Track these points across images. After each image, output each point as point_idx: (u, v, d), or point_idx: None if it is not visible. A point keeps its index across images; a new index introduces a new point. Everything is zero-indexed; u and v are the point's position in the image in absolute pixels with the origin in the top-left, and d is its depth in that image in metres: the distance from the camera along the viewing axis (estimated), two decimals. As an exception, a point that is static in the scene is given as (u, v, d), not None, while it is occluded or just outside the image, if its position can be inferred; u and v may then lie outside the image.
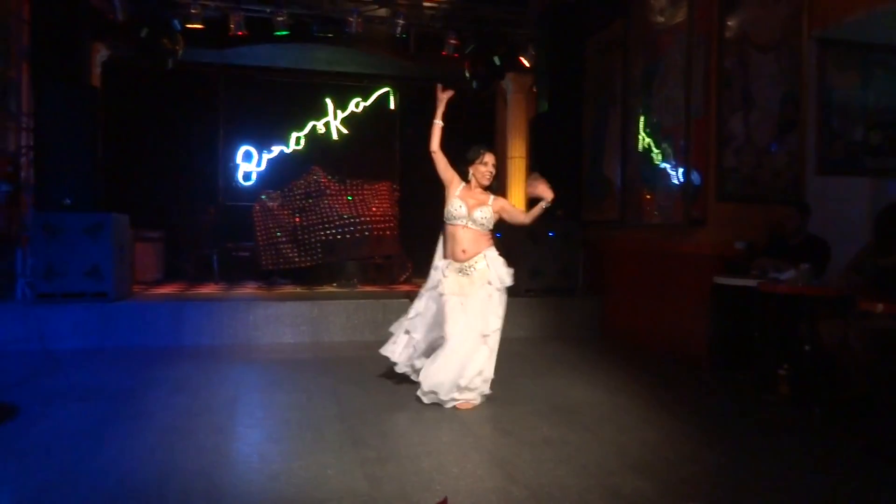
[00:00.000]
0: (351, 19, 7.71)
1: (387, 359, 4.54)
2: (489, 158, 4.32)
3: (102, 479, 2.89)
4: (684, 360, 5.71)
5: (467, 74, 8.40)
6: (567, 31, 7.88)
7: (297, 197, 8.36)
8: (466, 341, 4.10)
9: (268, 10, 7.60)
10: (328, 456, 3.21)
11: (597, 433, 3.67)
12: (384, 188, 8.66)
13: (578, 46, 7.96)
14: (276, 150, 10.15)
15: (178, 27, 7.45)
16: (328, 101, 10.32)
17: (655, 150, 6.48)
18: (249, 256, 8.57)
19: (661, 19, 6.41)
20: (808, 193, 5.33)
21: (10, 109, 6.54)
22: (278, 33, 7.77)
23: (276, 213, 8.27)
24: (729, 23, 5.66)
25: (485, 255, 4.27)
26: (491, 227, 4.33)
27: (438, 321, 4.26)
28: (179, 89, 9.35)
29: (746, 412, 4.30)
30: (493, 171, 4.33)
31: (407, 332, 4.45)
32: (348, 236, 8.15)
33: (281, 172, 9.71)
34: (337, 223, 8.17)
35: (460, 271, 4.25)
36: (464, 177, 4.35)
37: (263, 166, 10.11)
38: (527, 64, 8.73)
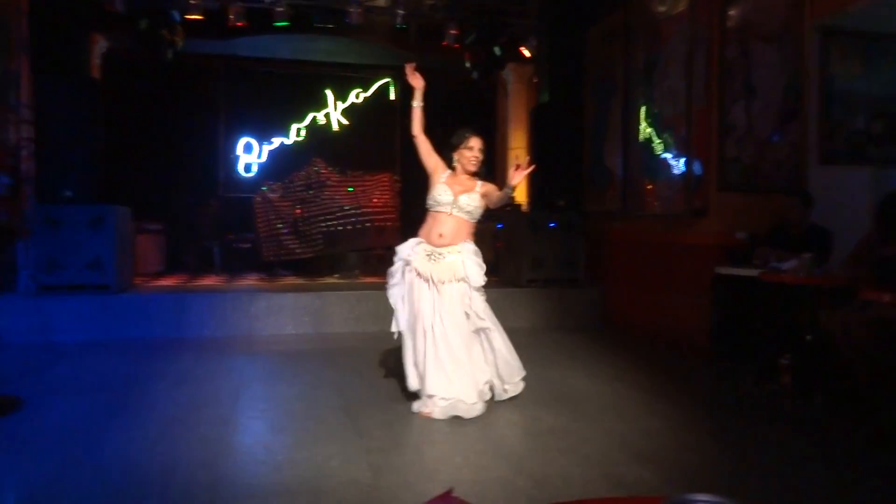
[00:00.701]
0: (351, 9, 7.68)
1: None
2: (475, 143, 3.94)
3: (106, 470, 2.90)
4: (686, 349, 5.71)
5: (468, 65, 8.38)
6: (568, 21, 7.84)
7: (298, 188, 8.35)
8: (455, 337, 3.74)
9: (267, 1, 7.57)
10: (331, 446, 3.22)
11: (599, 423, 3.67)
12: (385, 179, 8.66)
13: (579, 36, 7.93)
14: (277, 141, 10.14)
15: (178, 18, 7.42)
16: (328, 92, 10.30)
17: (657, 141, 6.47)
18: (251, 248, 8.58)
19: (662, 9, 6.38)
20: (810, 183, 5.31)
21: (9, 102, 6.52)
22: (278, 24, 7.74)
23: (277, 204, 8.27)
24: (731, 12, 5.64)
25: (460, 250, 3.85)
26: (477, 216, 3.95)
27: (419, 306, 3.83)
28: (179, 81, 9.33)
29: (748, 402, 4.30)
30: (480, 157, 3.94)
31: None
32: (349, 227, 8.15)
33: (282, 164, 9.71)
34: (338, 214, 8.17)
35: (429, 255, 3.84)
36: (449, 163, 4.00)
37: (264, 158, 10.11)
38: (527, 54, 8.70)
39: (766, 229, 5.17)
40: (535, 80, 9.04)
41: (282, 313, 6.45)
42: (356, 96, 10.42)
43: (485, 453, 3.19)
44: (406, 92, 10.27)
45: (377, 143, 10.20)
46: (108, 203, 6.30)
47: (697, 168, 5.82)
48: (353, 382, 4.52)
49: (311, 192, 8.30)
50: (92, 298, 6.02)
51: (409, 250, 3.92)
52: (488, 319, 3.90)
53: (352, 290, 6.80)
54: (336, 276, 8.14)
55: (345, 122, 10.38)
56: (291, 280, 7.95)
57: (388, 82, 10.50)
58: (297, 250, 8.12)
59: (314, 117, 10.27)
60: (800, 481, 2.95)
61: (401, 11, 7.90)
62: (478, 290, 3.85)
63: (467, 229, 3.93)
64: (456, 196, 3.87)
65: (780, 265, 4.49)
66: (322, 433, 3.43)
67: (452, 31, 8.20)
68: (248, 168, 10.06)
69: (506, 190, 3.83)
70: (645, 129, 6.68)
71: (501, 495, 2.70)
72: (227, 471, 2.93)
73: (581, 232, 7.51)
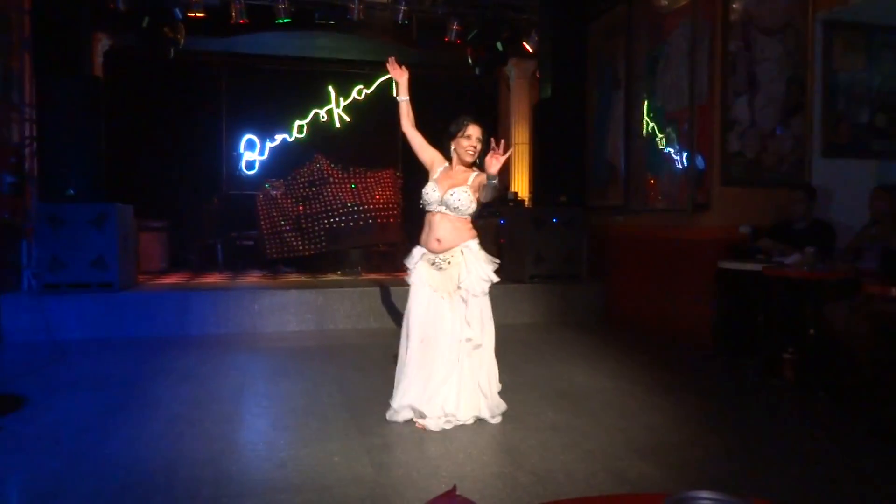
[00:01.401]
0: (353, 6, 7.68)
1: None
2: (473, 131, 3.63)
3: (110, 468, 2.91)
4: (689, 344, 5.70)
5: (470, 60, 8.38)
6: (570, 16, 7.82)
7: (301, 185, 8.36)
8: (435, 346, 3.52)
9: (269, -2, 7.58)
10: (335, 443, 3.23)
11: (602, 418, 3.67)
12: (387, 175, 8.65)
13: (582, 31, 7.91)
14: (279, 138, 10.15)
15: (180, 16, 7.43)
16: (330, 88, 10.30)
17: (659, 135, 6.45)
18: (253, 245, 8.59)
19: (664, 2, 6.36)
20: (814, 177, 5.29)
21: (12, 100, 6.54)
22: (280, 21, 7.75)
23: (279, 201, 8.27)
24: (733, 5, 5.61)
25: (462, 251, 3.58)
26: (470, 212, 3.65)
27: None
28: (181, 78, 9.34)
29: (751, 396, 4.30)
30: (478, 147, 3.63)
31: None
32: (352, 224, 8.15)
33: (284, 161, 9.72)
34: (340, 211, 8.17)
35: (433, 264, 3.61)
36: (448, 155, 3.73)
37: (266, 155, 10.12)
38: (530, 49, 8.68)
39: (770, 224, 5.15)
40: (537, 76, 9.03)
41: (285, 310, 6.46)
42: (358, 93, 10.42)
43: (487, 449, 3.19)
44: (408, 88, 10.32)
45: (379, 140, 10.19)
46: (110, 201, 6.30)
47: (700, 162, 5.80)
48: (356, 379, 4.53)
49: (313, 188, 8.31)
50: (95, 297, 6.04)
51: (417, 257, 3.68)
52: (482, 333, 3.58)
53: (354, 287, 6.80)
54: (339, 272, 8.15)
55: (347, 118, 10.38)
56: (294, 277, 7.97)
57: (390, 78, 10.37)
58: (300, 247, 8.13)
59: (316, 114, 10.27)
60: (803, 475, 2.94)
61: (402, 7, 7.89)
62: (480, 296, 3.58)
63: (465, 227, 3.64)
64: (443, 193, 3.59)
65: (784, 259, 4.48)
66: (325, 430, 3.44)
67: (455, 27, 8.20)
68: (250, 165, 10.07)
69: (489, 182, 3.44)
70: (647, 124, 6.66)
71: (504, 491, 2.70)
72: (230, 467, 2.93)
73: (583, 227, 7.50)
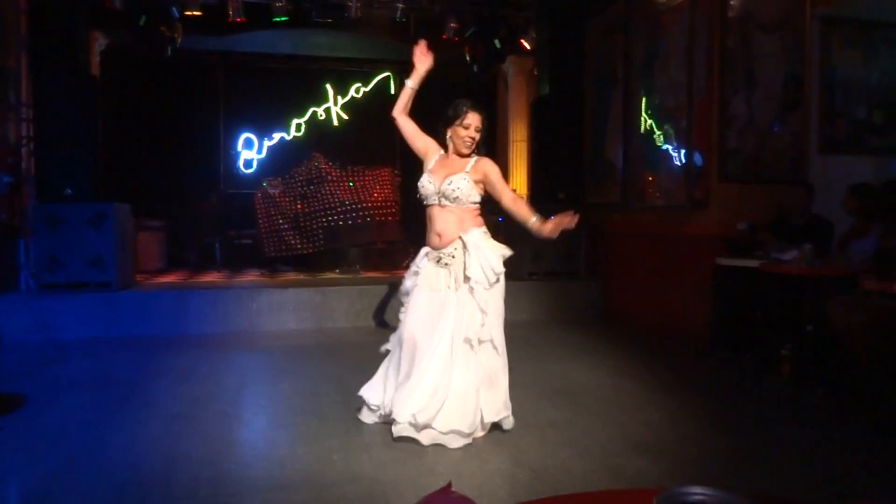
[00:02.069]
0: (350, 4, 7.66)
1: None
2: (473, 119, 3.30)
3: (110, 467, 2.91)
4: (687, 341, 5.71)
5: (468, 58, 8.36)
6: (568, 13, 7.81)
7: (299, 184, 8.35)
8: (438, 352, 3.21)
9: (266, -4, 7.56)
10: (333, 441, 3.23)
11: (600, 415, 3.68)
12: (385, 174, 8.64)
13: (580, 28, 7.90)
14: (277, 136, 10.13)
15: (177, 14, 7.41)
16: (328, 86, 10.28)
17: (657, 132, 6.45)
18: (252, 244, 8.58)
19: (662, -1, 6.36)
20: (811, 173, 5.30)
21: (9, 100, 6.52)
22: (277, 19, 7.73)
23: (277, 200, 8.26)
24: (731, 2, 5.61)
25: (464, 242, 3.28)
26: (473, 200, 3.32)
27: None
28: (179, 77, 9.31)
29: (749, 392, 4.31)
30: (476, 137, 3.32)
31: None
32: (350, 222, 8.14)
33: (282, 159, 9.70)
34: (339, 209, 8.16)
35: (438, 261, 3.33)
36: (443, 143, 3.43)
37: (264, 153, 10.10)
38: (528, 46, 8.67)
39: (768, 220, 5.16)
40: (535, 73, 9.02)
41: (283, 309, 6.46)
42: (356, 91, 10.40)
43: (485, 446, 3.19)
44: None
45: (377, 138, 10.16)
46: (108, 200, 6.30)
47: (698, 159, 5.80)
48: (355, 377, 4.50)
49: (311, 187, 8.30)
50: (93, 296, 6.03)
51: (421, 257, 3.45)
52: (496, 323, 3.34)
53: (353, 286, 6.80)
54: (337, 271, 8.14)
55: (345, 116, 10.36)
56: (292, 276, 7.96)
57: (387, 76, 10.46)
58: (298, 246, 8.12)
59: (314, 112, 10.25)
60: (801, 471, 2.95)
61: (400, 5, 7.88)
62: (490, 285, 3.27)
63: (468, 217, 3.33)
64: (440, 184, 3.29)
65: (781, 256, 4.48)
66: (324, 428, 3.44)
67: (452, 25, 8.18)
68: (248, 164, 10.05)
69: (534, 229, 3.30)
70: (645, 121, 6.66)
71: (502, 488, 2.71)
72: (229, 466, 2.94)
73: (582, 224, 7.44)
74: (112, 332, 5.97)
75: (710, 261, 5.35)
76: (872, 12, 5.31)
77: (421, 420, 3.09)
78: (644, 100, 6.66)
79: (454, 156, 3.38)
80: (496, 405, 3.30)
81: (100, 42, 8.15)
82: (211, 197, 9.14)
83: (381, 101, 10.41)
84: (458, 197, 3.28)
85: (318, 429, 3.43)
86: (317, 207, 8.17)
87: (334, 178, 8.42)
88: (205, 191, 9.28)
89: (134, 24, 7.27)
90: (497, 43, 8.26)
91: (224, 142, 9.95)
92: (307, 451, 3.11)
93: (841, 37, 5.43)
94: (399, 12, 7.94)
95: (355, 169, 8.60)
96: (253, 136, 10.04)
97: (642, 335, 6.23)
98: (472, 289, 3.24)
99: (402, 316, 3.48)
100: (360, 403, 3.54)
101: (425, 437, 3.13)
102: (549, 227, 3.30)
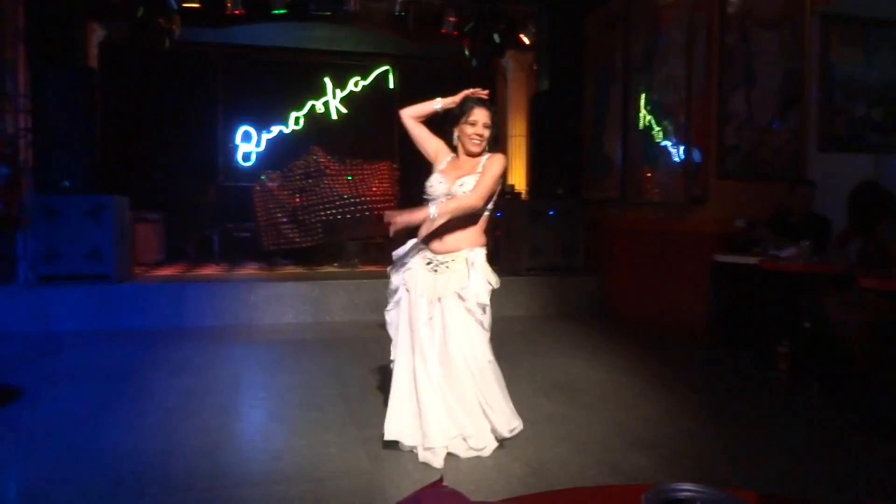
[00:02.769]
0: (349, -4, 7.64)
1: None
2: (480, 115, 3.11)
3: (107, 459, 2.92)
4: (685, 337, 5.72)
5: (467, 52, 8.33)
6: (568, 8, 7.79)
7: (297, 177, 8.34)
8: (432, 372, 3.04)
9: (264, -11, 7.53)
10: (330, 435, 3.24)
11: (597, 410, 3.69)
12: (384, 167, 8.64)
13: (579, 23, 7.88)
14: (276, 130, 10.11)
15: (175, 6, 7.37)
16: (327, 80, 10.26)
17: (656, 128, 6.44)
18: (250, 237, 8.57)
19: (662, -5, 6.34)
20: (810, 170, 5.31)
21: (6, 91, 6.50)
22: (276, 11, 7.69)
23: (276, 193, 8.26)
24: (731, -2, 5.60)
25: (466, 258, 3.08)
26: (486, 206, 3.16)
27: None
28: (177, 69, 9.29)
29: (746, 389, 4.32)
30: (485, 135, 3.13)
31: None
32: (349, 216, 8.14)
33: (280, 152, 9.69)
34: (337, 203, 8.16)
35: (428, 264, 3.13)
36: (451, 144, 3.26)
37: (262, 146, 10.08)
38: (527, 41, 8.65)
39: (767, 216, 5.16)
40: (534, 68, 9.00)
41: (281, 302, 6.46)
42: (355, 84, 10.37)
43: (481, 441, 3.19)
44: (404, 80, 10.33)
45: (376, 132, 10.16)
46: (106, 192, 6.28)
47: (697, 156, 5.80)
48: (352, 371, 4.54)
49: (310, 180, 8.29)
50: (91, 288, 6.03)
51: (407, 259, 3.20)
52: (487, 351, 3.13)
53: (351, 279, 6.80)
54: (335, 264, 8.14)
55: (343, 110, 10.34)
56: (291, 269, 7.96)
57: (386, 70, 10.44)
58: (297, 239, 8.12)
59: (313, 106, 10.23)
60: (797, 468, 2.96)
61: (399, -1, 7.85)
62: (478, 311, 3.06)
63: (476, 228, 3.14)
64: (451, 185, 3.10)
65: (779, 253, 4.49)
66: (321, 421, 3.45)
67: (451, 19, 8.15)
68: (247, 157, 10.03)
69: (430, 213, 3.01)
70: (644, 117, 6.65)
71: (498, 482, 2.72)
72: (226, 459, 2.94)
73: (580, 220, 7.50)
74: (110, 324, 5.96)
75: (708, 257, 5.36)
76: (872, 9, 5.31)
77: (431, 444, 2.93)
78: (643, 95, 6.66)
79: (464, 156, 3.20)
80: (506, 415, 3.14)
81: (97, 34, 8.11)
82: (209, 190, 9.13)
83: (380, 94, 10.41)
84: None
85: (315, 422, 3.44)
86: (315, 201, 8.17)
87: (333, 172, 8.41)
88: (203, 183, 9.27)
89: (132, 15, 7.23)
90: (496, 37, 8.22)
91: (222, 134, 9.93)
92: (304, 444, 3.12)
93: (840, 34, 5.43)
94: (398, 6, 7.92)
95: (354, 163, 8.59)
96: (251, 129, 10.03)
97: (640, 331, 6.24)
98: (467, 310, 3.04)
99: (389, 315, 3.33)
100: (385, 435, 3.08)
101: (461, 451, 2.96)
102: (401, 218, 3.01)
